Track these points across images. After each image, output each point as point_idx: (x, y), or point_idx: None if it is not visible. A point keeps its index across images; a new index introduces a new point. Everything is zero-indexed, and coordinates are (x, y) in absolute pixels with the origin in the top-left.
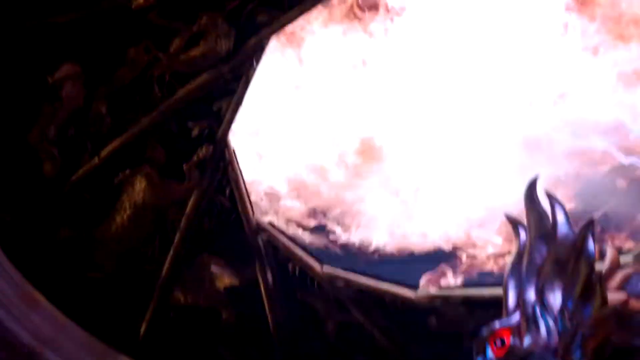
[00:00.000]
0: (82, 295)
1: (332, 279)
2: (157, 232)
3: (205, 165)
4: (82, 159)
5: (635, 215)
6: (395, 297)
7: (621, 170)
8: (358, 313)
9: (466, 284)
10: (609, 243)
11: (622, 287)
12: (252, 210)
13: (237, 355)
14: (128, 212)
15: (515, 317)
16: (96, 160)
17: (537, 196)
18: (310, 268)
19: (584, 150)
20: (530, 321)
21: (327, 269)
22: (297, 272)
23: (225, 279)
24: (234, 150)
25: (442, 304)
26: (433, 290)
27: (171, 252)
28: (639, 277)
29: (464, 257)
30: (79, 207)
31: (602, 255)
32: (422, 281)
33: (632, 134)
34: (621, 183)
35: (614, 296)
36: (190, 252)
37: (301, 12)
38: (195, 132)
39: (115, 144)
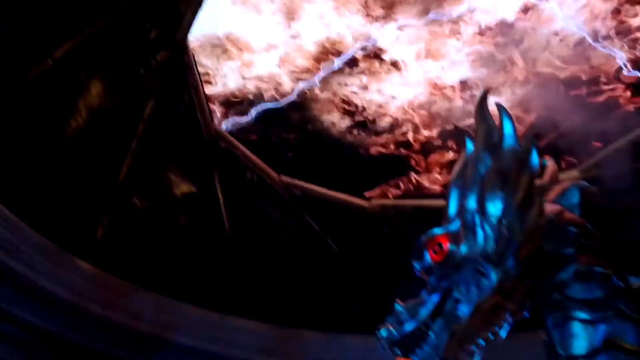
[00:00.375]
0: (38, 199)
1: (289, 187)
2: (113, 138)
3: (162, 70)
4: (35, 60)
5: (589, 134)
6: (349, 206)
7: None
8: (313, 221)
9: (417, 195)
10: (549, 157)
11: (558, 199)
12: (211, 117)
13: (195, 260)
14: (84, 116)
15: (455, 225)
16: (49, 62)
17: (487, 108)
18: (268, 176)
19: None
20: (468, 229)
21: (285, 178)
22: (254, 180)
23: (182, 186)
24: (193, 55)
25: (395, 214)
26: (386, 200)
27: (128, 157)
28: (575, 191)
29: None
30: (34, 110)
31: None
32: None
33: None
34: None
35: (550, 207)
36: (148, 159)
37: None
38: (153, 34)
39: (69, 45)
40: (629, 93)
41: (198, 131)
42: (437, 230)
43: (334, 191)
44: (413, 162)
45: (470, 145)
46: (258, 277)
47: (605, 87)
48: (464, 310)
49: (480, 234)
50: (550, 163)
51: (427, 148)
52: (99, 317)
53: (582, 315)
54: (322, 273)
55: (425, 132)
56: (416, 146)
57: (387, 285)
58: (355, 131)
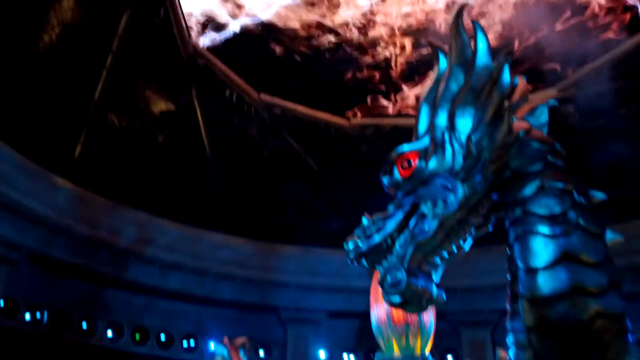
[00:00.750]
0: (14, 118)
1: (269, 105)
2: (88, 54)
3: None
4: None
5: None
6: (329, 125)
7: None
8: (292, 139)
9: (397, 115)
10: (521, 76)
11: (527, 117)
12: (189, 33)
13: (173, 178)
14: (57, 31)
15: (424, 141)
16: None
17: (462, 24)
18: (247, 94)
19: None
20: (437, 145)
21: (264, 96)
22: (234, 98)
23: (160, 103)
24: None
25: (373, 133)
26: (365, 119)
27: (104, 74)
28: (544, 109)
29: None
30: (5, 24)
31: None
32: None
33: None
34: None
35: (519, 124)
36: (124, 75)
37: None
38: None
39: None
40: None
41: (175, 47)
42: (406, 147)
43: (314, 110)
44: (393, 82)
45: (443, 62)
46: (237, 194)
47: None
48: (429, 224)
49: (448, 150)
50: (521, 81)
51: (409, 68)
52: (81, 234)
53: (543, 229)
54: (300, 190)
55: (407, 52)
56: (398, 67)
57: (364, 203)
58: (338, 50)
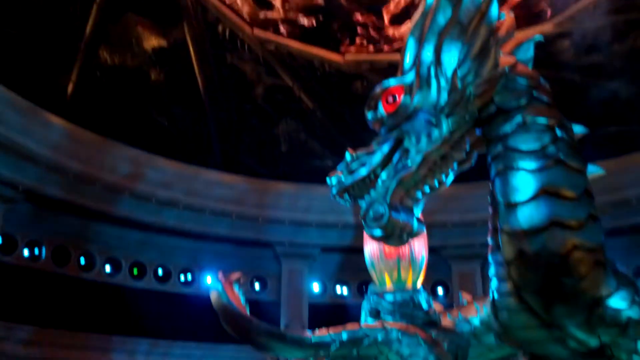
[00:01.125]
0: (6, 56)
1: (263, 42)
2: None
3: None
4: None
5: None
6: (324, 62)
7: None
8: (287, 77)
9: (392, 50)
10: (509, 11)
11: (513, 52)
12: None
13: (167, 116)
14: None
15: (410, 76)
16: None
17: None
18: (241, 30)
19: None
20: (423, 80)
21: (258, 32)
22: (227, 34)
23: (152, 39)
24: None
25: (368, 69)
26: (361, 55)
27: (94, 9)
28: (529, 45)
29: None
30: None
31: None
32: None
33: None
34: None
35: (505, 59)
36: (114, 10)
37: None
38: None
39: None
40: None
41: None
42: (392, 81)
43: (309, 45)
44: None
45: None
46: (232, 132)
47: None
48: (413, 159)
49: (434, 85)
50: (508, 17)
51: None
52: (75, 171)
53: (523, 164)
54: (295, 128)
55: None
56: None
57: (358, 140)
58: None
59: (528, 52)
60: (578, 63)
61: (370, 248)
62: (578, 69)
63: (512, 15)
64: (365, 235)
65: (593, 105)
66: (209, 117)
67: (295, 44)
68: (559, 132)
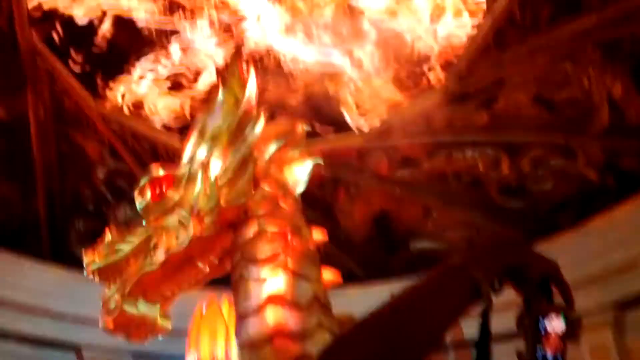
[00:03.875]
0: None
1: (107, 119)
2: None
3: None
4: None
5: None
6: (167, 147)
7: None
8: (131, 160)
9: None
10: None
11: (288, 170)
12: (31, 31)
13: None
14: None
15: (183, 170)
16: None
17: (238, 65)
18: (87, 104)
19: None
20: (190, 178)
21: (102, 108)
22: (72, 108)
23: None
24: None
25: None
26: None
27: None
28: (306, 166)
29: None
30: None
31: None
32: None
33: None
34: None
35: (271, 177)
36: None
37: None
38: None
39: None
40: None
41: (15, 47)
42: (163, 171)
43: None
44: None
45: (221, 94)
46: (64, 218)
47: None
48: (158, 256)
49: (198, 186)
50: (294, 127)
51: None
52: None
53: (252, 274)
54: (134, 217)
55: None
56: None
57: None
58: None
59: (302, 173)
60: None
61: (193, 357)
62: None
63: (301, 128)
64: (187, 342)
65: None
66: (40, 199)
67: (140, 126)
68: (289, 239)
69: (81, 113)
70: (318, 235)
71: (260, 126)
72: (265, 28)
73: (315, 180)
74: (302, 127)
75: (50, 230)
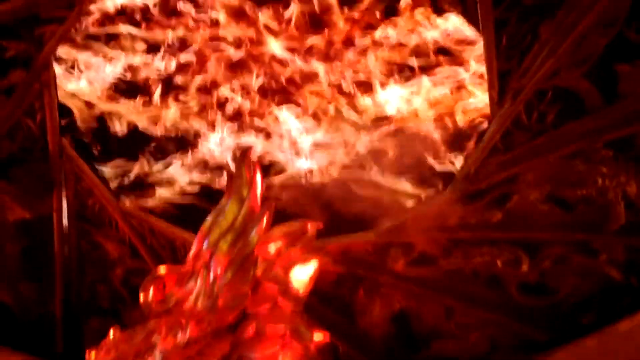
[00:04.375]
0: None
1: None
2: None
3: (14, 90)
4: None
5: None
6: (185, 243)
7: None
8: (149, 258)
9: None
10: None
11: (292, 269)
12: (61, 137)
13: (14, 292)
14: None
15: (186, 267)
16: None
17: (245, 163)
18: (110, 203)
19: None
20: (193, 277)
21: (126, 207)
22: (96, 207)
23: (16, 211)
24: (54, 76)
25: None
26: None
27: None
28: (306, 269)
29: None
30: None
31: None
32: None
33: None
34: None
35: (272, 279)
36: None
37: None
38: (10, 53)
39: None
40: None
41: (45, 152)
42: (166, 269)
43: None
44: None
45: (228, 193)
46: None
47: None
48: (156, 356)
49: (199, 285)
50: (303, 226)
51: None
52: None
53: None
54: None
55: None
56: None
57: None
58: None
59: (309, 274)
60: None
61: None
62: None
63: (311, 227)
64: None
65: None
66: (59, 296)
67: (159, 222)
68: (292, 342)
69: (104, 212)
70: (319, 336)
71: (262, 227)
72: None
73: (331, 278)
74: (312, 227)
75: (65, 331)
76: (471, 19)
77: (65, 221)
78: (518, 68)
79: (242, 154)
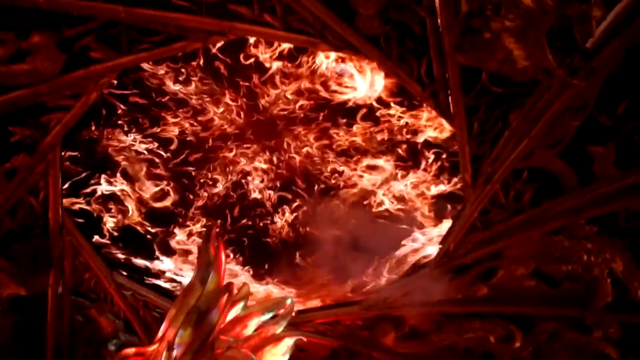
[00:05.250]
0: None
1: (123, 289)
2: None
3: (16, 173)
4: None
5: None
6: None
7: None
8: (142, 333)
9: None
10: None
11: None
12: (62, 216)
13: None
14: None
15: (154, 347)
16: None
17: (211, 243)
18: (106, 279)
19: None
20: (158, 355)
21: (119, 279)
22: (92, 282)
23: (11, 287)
24: (60, 156)
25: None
26: None
27: None
28: (284, 345)
29: None
30: None
31: None
32: None
33: None
34: None
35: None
36: None
37: (140, 59)
38: (15, 137)
39: None
40: None
41: (45, 230)
42: (134, 350)
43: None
44: None
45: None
46: None
47: None
48: None
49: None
50: (283, 305)
51: None
52: None
53: None
54: None
55: None
56: None
57: None
58: None
59: (282, 351)
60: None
61: None
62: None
63: (290, 302)
64: None
65: None
66: None
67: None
68: None
69: (99, 286)
70: None
71: (222, 308)
72: None
73: (325, 353)
74: (291, 301)
75: None
76: (443, 111)
77: (60, 296)
78: (490, 153)
79: (207, 232)
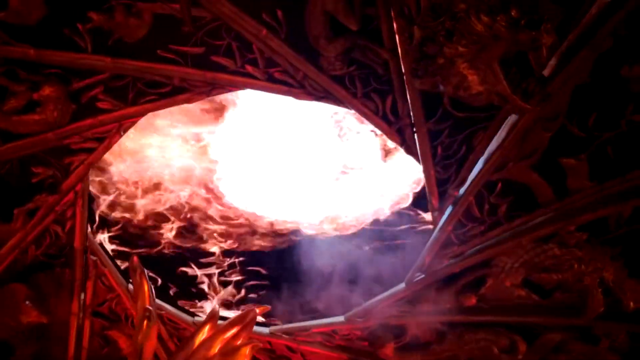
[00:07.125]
0: None
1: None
2: None
3: (37, 211)
4: None
5: None
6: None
7: None
8: (162, 353)
9: None
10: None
11: None
12: (88, 246)
13: None
14: None
15: None
16: None
17: (134, 270)
18: (128, 299)
19: None
20: None
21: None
22: (113, 304)
23: (32, 315)
24: (88, 187)
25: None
26: None
27: None
28: None
29: None
30: None
31: None
32: None
33: None
34: None
35: None
36: (2, 277)
37: (146, 110)
38: (37, 178)
39: None
40: None
41: (71, 258)
42: None
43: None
44: None
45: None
46: None
47: None
48: None
49: None
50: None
51: None
52: None
53: None
54: None
55: None
56: None
57: None
58: None
59: None
60: None
61: None
62: None
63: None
64: None
65: None
66: None
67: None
68: None
69: (120, 307)
70: None
71: (143, 332)
72: None
73: None
74: (254, 314)
75: None
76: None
77: (81, 323)
78: (456, 176)
79: (130, 262)
